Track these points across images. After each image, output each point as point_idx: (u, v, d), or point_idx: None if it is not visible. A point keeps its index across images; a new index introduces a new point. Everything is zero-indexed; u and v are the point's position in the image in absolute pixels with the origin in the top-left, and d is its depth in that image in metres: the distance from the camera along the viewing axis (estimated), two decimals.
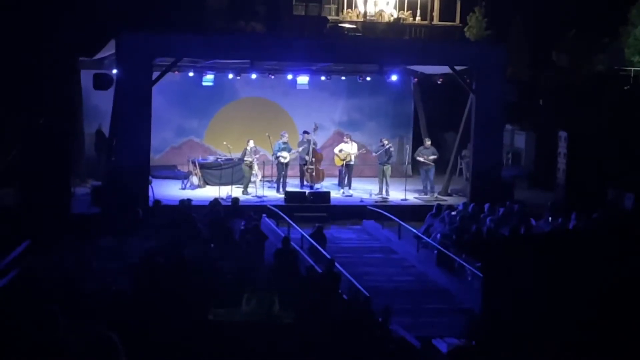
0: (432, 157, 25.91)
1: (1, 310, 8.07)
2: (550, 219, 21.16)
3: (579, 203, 22.13)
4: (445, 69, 25.40)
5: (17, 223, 19.16)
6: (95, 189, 23.22)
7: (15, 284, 14.44)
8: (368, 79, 27.15)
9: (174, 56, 23.40)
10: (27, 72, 26.22)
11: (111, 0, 28.56)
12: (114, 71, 22.83)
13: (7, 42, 26.54)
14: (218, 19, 31.39)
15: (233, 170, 25.78)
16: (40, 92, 25.78)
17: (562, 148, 25.77)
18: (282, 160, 25.45)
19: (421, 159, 26.07)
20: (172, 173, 27.21)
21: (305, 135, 26.02)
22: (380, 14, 33.48)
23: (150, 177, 23.25)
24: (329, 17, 32.59)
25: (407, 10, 33.61)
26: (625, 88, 30.10)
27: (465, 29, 33.20)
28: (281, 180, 25.61)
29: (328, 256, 17.78)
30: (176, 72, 25.02)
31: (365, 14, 33.13)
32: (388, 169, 25.73)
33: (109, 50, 23.45)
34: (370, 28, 32.82)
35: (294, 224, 21.48)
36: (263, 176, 25.57)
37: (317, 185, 25.92)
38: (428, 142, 26.29)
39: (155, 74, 23.02)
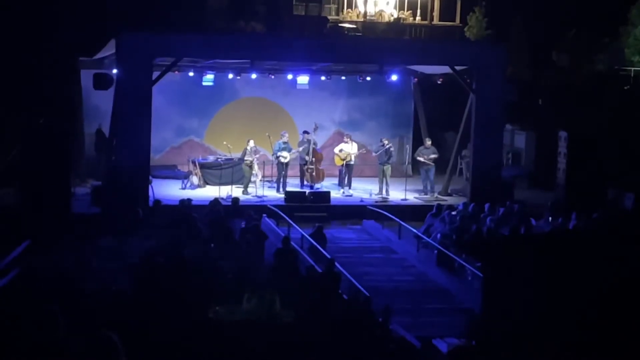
0: (432, 156, 25.91)
1: (1, 310, 8.07)
2: (550, 219, 21.17)
3: (579, 203, 22.13)
4: (446, 69, 25.40)
5: (17, 223, 19.16)
6: (95, 188, 23.22)
7: (15, 284, 14.43)
8: (368, 78, 27.15)
9: (174, 56, 23.40)
10: (27, 72, 26.22)
11: (111, 0, 28.55)
12: (114, 71, 22.83)
13: (7, 42, 26.54)
14: (218, 19, 31.39)
15: (233, 170, 25.79)
16: (40, 92, 25.79)
17: (562, 148, 25.77)
18: (282, 160, 25.46)
19: (421, 159, 26.08)
20: (172, 173, 27.21)
21: (305, 135, 26.03)
22: (381, 14, 33.48)
23: (150, 177, 23.25)
24: (329, 17, 32.59)
25: (407, 10, 33.61)
26: (626, 88, 30.10)
27: (466, 29, 33.20)
28: (281, 180, 25.62)
29: (328, 256, 17.78)
30: (176, 72, 25.03)
31: (365, 14, 33.13)
32: (388, 168, 25.73)
33: (109, 50, 23.45)
34: (371, 28, 32.82)
35: (294, 224, 21.48)
36: (263, 176, 25.57)
37: (317, 185, 25.93)
38: (428, 142, 26.29)
39: (155, 74, 23.02)
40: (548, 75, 31.28)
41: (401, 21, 33.40)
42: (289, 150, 25.64)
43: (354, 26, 31.77)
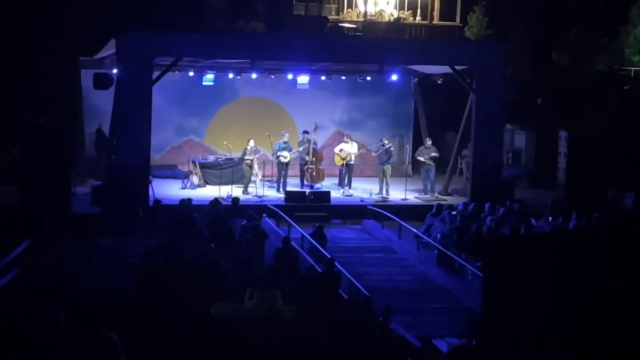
0: (433, 155, 25.91)
1: (1, 310, 8.06)
2: (550, 218, 21.17)
3: (579, 203, 22.12)
4: (446, 69, 25.40)
5: (17, 222, 19.16)
6: (95, 188, 23.22)
7: (15, 284, 14.44)
8: (368, 78, 27.15)
9: (174, 56, 23.40)
10: (27, 72, 26.22)
11: (111, 0, 28.54)
12: (114, 71, 22.84)
13: (7, 42, 26.53)
14: (218, 19, 31.35)
15: (233, 170, 25.79)
16: (40, 92, 25.78)
17: (563, 148, 25.78)
18: (282, 159, 25.46)
19: (422, 159, 26.08)
20: (172, 173, 27.22)
21: (305, 135, 26.03)
22: (381, 14, 33.44)
23: (150, 177, 23.25)
24: (329, 17, 32.54)
25: (408, 10, 33.56)
26: (626, 88, 30.09)
27: (466, 29, 33.17)
28: (281, 179, 25.62)
29: (328, 256, 17.78)
30: (176, 72, 25.03)
31: (365, 14, 33.09)
32: (388, 168, 25.74)
33: (109, 49, 23.45)
34: (371, 28, 32.77)
35: (294, 224, 21.48)
36: (263, 176, 25.58)
37: (317, 185, 25.94)
38: (429, 142, 26.29)
39: (155, 74, 23.02)
40: (548, 75, 31.27)
41: (401, 21, 33.36)
42: (289, 150, 25.64)
43: (354, 26, 31.72)
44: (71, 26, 26.68)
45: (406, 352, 13.37)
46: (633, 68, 30.75)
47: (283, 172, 25.61)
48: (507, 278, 9.38)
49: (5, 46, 26.49)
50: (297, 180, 26.37)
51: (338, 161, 26.28)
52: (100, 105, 25.76)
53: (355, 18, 33.09)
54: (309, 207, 23.86)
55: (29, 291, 13.26)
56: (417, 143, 27.92)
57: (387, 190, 25.60)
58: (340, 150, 26.14)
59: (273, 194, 25.17)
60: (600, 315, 8.89)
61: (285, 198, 24.39)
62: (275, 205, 23.33)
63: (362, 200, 25.04)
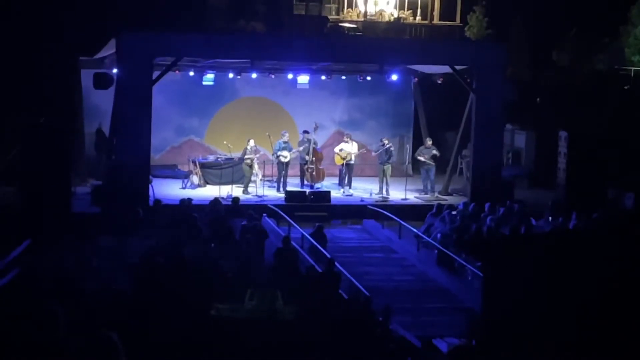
0: (433, 152, 25.91)
1: (1, 310, 8.07)
2: (550, 218, 21.17)
3: (579, 203, 22.12)
4: (446, 69, 25.40)
5: (17, 222, 19.17)
6: (95, 188, 23.22)
7: (15, 284, 14.44)
8: (368, 78, 27.16)
9: (174, 55, 23.39)
10: (27, 72, 26.22)
11: (111, 0, 28.55)
12: (115, 70, 22.83)
13: (7, 42, 26.53)
14: (218, 19, 31.36)
15: (233, 170, 25.79)
16: (40, 92, 25.79)
17: (563, 148, 25.77)
18: (282, 159, 25.46)
19: (422, 159, 26.08)
20: (172, 172, 27.21)
21: (306, 134, 26.03)
22: (381, 14, 33.44)
23: (150, 177, 23.25)
24: (330, 17, 32.54)
25: (408, 10, 33.56)
26: (626, 88, 30.08)
27: (466, 29, 33.17)
28: (281, 179, 25.62)
29: (328, 255, 17.78)
30: (176, 72, 25.03)
31: (365, 14, 33.10)
32: (388, 168, 25.74)
33: (110, 49, 23.45)
34: (371, 27, 32.78)
35: (294, 224, 21.49)
36: (263, 175, 25.58)
37: (317, 185, 25.94)
38: (429, 142, 26.29)
39: (155, 74, 23.02)
40: (548, 75, 31.26)
41: (401, 21, 33.36)
42: (290, 150, 25.64)
43: (354, 26, 31.73)
44: (71, 26, 26.69)
45: (406, 352, 13.37)
46: (633, 68, 30.75)
47: (283, 171, 25.61)
48: (507, 278, 9.38)
49: (5, 46, 26.49)
50: (297, 180, 26.37)
51: (338, 161, 26.28)
52: (100, 105, 25.76)
53: (355, 18, 33.10)
54: (309, 206, 23.85)
55: (29, 291, 13.26)
56: (417, 143, 27.93)
57: (387, 190, 25.60)
58: (341, 150, 26.15)
59: (273, 194, 25.17)
60: (600, 315, 8.89)
61: (285, 198, 24.39)
62: (275, 205, 23.33)
63: (362, 200, 25.04)
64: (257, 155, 25.27)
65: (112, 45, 22.97)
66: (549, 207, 21.96)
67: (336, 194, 25.24)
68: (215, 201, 21.29)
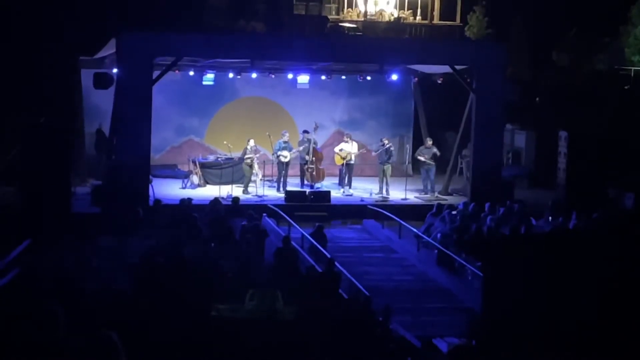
0: (434, 151, 25.91)
1: (1, 310, 8.06)
2: (550, 218, 21.15)
3: (580, 202, 22.11)
4: (446, 69, 25.39)
5: (17, 222, 19.16)
6: (95, 188, 23.22)
7: (15, 284, 14.44)
8: (368, 78, 27.16)
9: (175, 55, 23.39)
10: (27, 72, 26.21)
11: (111, 0, 28.54)
12: (115, 70, 22.83)
13: (7, 41, 26.53)
14: (218, 18, 31.35)
15: (233, 170, 25.79)
16: (40, 92, 25.79)
17: (563, 147, 25.78)
18: (282, 159, 25.46)
19: (422, 159, 26.08)
20: (172, 172, 27.21)
21: (305, 134, 26.03)
22: (381, 14, 33.42)
23: (150, 177, 23.24)
24: (330, 17, 32.53)
25: (408, 10, 33.54)
26: (626, 87, 30.07)
27: (466, 28, 33.15)
28: (281, 179, 25.62)
29: (328, 255, 17.78)
30: (176, 71, 25.03)
31: (365, 14, 33.08)
32: (388, 168, 25.74)
33: (110, 49, 23.45)
34: (371, 27, 32.75)
35: (294, 223, 21.49)
36: (263, 175, 25.58)
37: (317, 185, 25.94)
38: (429, 142, 26.28)
39: (155, 73, 23.02)
40: (548, 75, 31.25)
41: (401, 21, 33.34)
42: (290, 150, 25.64)
43: (354, 26, 31.70)
44: (71, 26, 26.69)
45: (406, 352, 13.37)
46: (633, 68, 30.74)
47: (283, 171, 25.61)
48: (507, 278, 9.38)
49: (5, 46, 26.48)
50: (297, 180, 26.37)
51: (338, 161, 26.28)
52: (100, 105, 25.76)
53: (355, 18, 33.08)
54: (309, 206, 23.85)
55: (29, 291, 13.26)
56: (417, 143, 27.93)
57: (387, 190, 25.60)
58: (341, 150, 26.15)
59: (273, 194, 25.17)
60: (600, 315, 8.90)
61: (285, 198, 24.39)
62: (275, 205, 23.32)
63: (362, 200, 25.04)
64: (257, 155, 25.27)
65: (112, 45, 22.96)
66: (549, 207, 21.95)
67: (336, 194, 25.24)
68: (215, 201, 21.29)
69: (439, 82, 27.19)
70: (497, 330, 9.43)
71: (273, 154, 25.70)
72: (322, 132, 27.98)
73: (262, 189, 25.12)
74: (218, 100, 28.21)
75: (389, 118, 29.58)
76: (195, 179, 25.89)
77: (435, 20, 33.69)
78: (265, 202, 23.77)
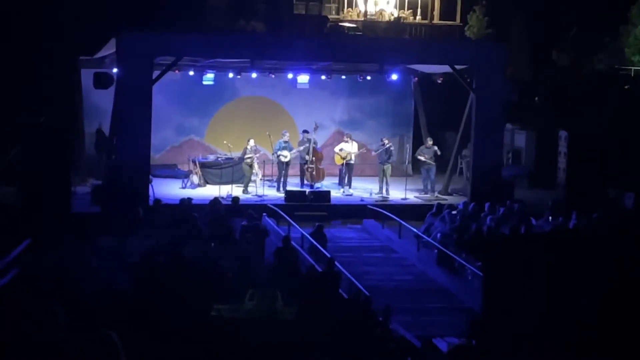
0: (434, 149, 25.90)
1: (1, 310, 8.06)
2: (550, 218, 21.15)
3: (580, 202, 22.11)
4: (446, 68, 25.39)
5: (17, 222, 19.15)
6: (95, 188, 23.22)
7: (15, 284, 14.44)
8: (368, 78, 27.15)
9: (175, 55, 23.39)
10: (27, 71, 26.21)
11: (111, 0, 28.54)
12: (115, 70, 22.83)
13: (7, 41, 26.52)
14: (218, 18, 31.35)
15: (233, 170, 25.79)
16: (40, 91, 25.78)
17: (563, 147, 25.78)
18: (282, 159, 25.46)
19: (422, 158, 26.08)
20: (172, 172, 27.21)
21: (305, 134, 26.03)
22: (381, 13, 33.42)
23: (150, 176, 23.24)
24: (330, 16, 32.53)
25: (408, 10, 33.53)
26: (626, 87, 30.07)
27: (466, 28, 33.15)
28: (282, 179, 25.62)
29: (328, 255, 17.77)
30: (176, 71, 25.03)
31: (365, 13, 33.08)
32: (388, 168, 25.74)
33: (110, 49, 23.45)
34: (371, 27, 32.75)
35: (294, 223, 21.48)
36: (263, 175, 25.57)
37: (317, 185, 25.94)
38: (430, 142, 26.27)
39: (155, 73, 23.02)
40: (548, 74, 31.25)
41: (401, 20, 33.32)
42: (290, 150, 25.64)
43: (354, 25, 31.70)
44: (71, 26, 26.68)
45: (406, 351, 13.37)
46: (633, 68, 30.74)
47: (283, 171, 25.61)
48: (507, 278, 9.38)
49: (5, 46, 26.48)
50: (297, 180, 26.37)
51: (338, 161, 26.28)
52: (100, 104, 25.76)
53: (355, 17, 33.07)
54: (309, 206, 23.85)
55: (29, 291, 13.25)
56: (417, 143, 27.93)
57: (387, 190, 25.61)
58: (341, 150, 26.15)
59: (273, 194, 25.17)
60: (600, 315, 8.90)
61: (285, 197, 24.39)
62: (275, 205, 23.32)
63: (362, 200, 25.04)
64: (257, 155, 25.27)
65: (112, 45, 22.96)
66: (549, 207, 21.95)
67: (336, 194, 25.24)
68: (215, 201, 21.28)
69: (439, 82, 27.18)
70: (497, 330, 9.43)
71: (273, 154, 25.70)
72: (322, 132, 27.98)
73: (262, 189, 25.12)
74: (218, 100, 28.21)
75: (389, 118, 29.58)
76: (195, 178, 25.89)
77: (435, 20, 33.68)
78: (265, 202, 23.77)
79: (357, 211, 24.30)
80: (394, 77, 26.63)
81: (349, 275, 17.22)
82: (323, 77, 27.04)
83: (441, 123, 28.99)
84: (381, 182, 25.75)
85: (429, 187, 25.98)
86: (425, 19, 33.68)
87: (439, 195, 25.63)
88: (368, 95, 29.19)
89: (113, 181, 22.12)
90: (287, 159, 25.56)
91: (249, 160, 25.07)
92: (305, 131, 26.16)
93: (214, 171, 26.28)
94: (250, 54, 23.96)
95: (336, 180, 26.76)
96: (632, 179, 24.57)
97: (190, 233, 18.54)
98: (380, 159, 25.78)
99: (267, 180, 25.90)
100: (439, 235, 20.21)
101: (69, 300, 11.47)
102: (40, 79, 26.12)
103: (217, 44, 23.65)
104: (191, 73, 25.69)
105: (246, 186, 25.14)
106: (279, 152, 25.45)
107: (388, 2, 33.64)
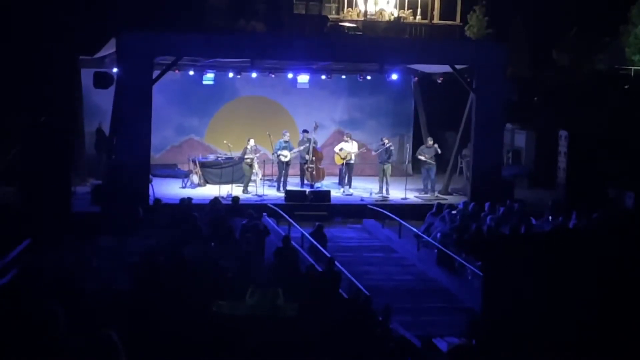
0: (435, 147, 25.89)
1: (1, 310, 8.06)
2: (550, 218, 21.15)
3: (580, 202, 22.12)
4: (446, 68, 25.39)
5: (17, 222, 19.14)
6: (95, 187, 23.22)
7: (15, 283, 14.43)
8: (368, 77, 27.14)
9: (175, 55, 23.39)
10: (27, 71, 26.20)
11: (111, 0, 28.54)
12: (115, 70, 22.83)
13: (7, 41, 26.52)
14: (218, 18, 31.36)
15: (233, 169, 25.79)
16: (40, 91, 25.77)
17: (563, 147, 25.77)
18: (282, 159, 25.46)
19: (423, 158, 26.08)
20: (172, 172, 27.20)
21: (305, 134, 26.03)
22: (381, 13, 33.43)
23: (150, 176, 23.24)
24: (330, 16, 32.54)
25: (408, 9, 33.55)
26: (626, 87, 30.08)
27: (466, 28, 33.16)
28: (282, 179, 25.62)
29: (328, 255, 17.77)
30: (176, 71, 25.02)
31: (365, 13, 33.09)
32: (388, 167, 25.75)
33: (110, 48, 23.45)
34: (371, 27, 32.76)
35: (294, 223, 21.48)
36: (263, 175, 25.57)
37: (317, 184, 25.95)
38: (430, 142, 26.27)
39: (155, 73, 23.02)
40: (548, 74, 31.25)
41: (401, 20, 33.33)
42: (290, 149, 25.64)
43: (354, 25, 31.72)
44: (71, 26, 26.68)
45: (406, 351, 13.37)
46: (633, 67, 30.75)
47: (283, 171, 25.61)
48: (507, 278, 9.38)
49: (5, 46, 26.47)
50: (297, 180, 26.37)
51: (338, 160, 26.28)
52: (100, 104, 25.76)
53: (355, 17, 33.09)
54: (309, 206, 23.86)
55: (29, 291, 13.24)
56: (417, 142, 27.93)
57: (387, 190, 25.61)
58: (341, 150, 26.15)
59: (273, 193, 25.17)
60: (600, 315, 8.90)
61: (285, 197, 24.39)
62: (275, 205, 23.32)
63: (362, 200, 25.04)
64: (257, 155, 25.27)
65: (112, 45, 22.96)
66: (549, 207, 21.95)
67: (336, 194, 25.25)
68: (215, 200, 21.28)
69: (439, 81, 27.18)
70: (497, 330, 9.43)
71: (273, 154, 25.70)
72: (322, 131, 27.98)
73: (262, 189, 25.12)
74: (218, 100, 28.21)
75: (389, 117, 29.57)
76: (195, 178, 25.89)
77: (435, 20, 33.70)
78: (265, 202, 23.78)
79: (357, 211, 24.31)
80: (394, 76, 26.63)
81: (349, 275, 17.22)
82: (323, 76, 27.04)
83: (441, 123, 28.99)
84: (381, 181, 25.75)
85: (429, 186, 25.98)
86: (425, 18, 33.70)
87: (439, 195, 25.63)
88: (368, 95, 29.18)
89: (113, 181, 22.12)
90: (287, 159, 25.56)
91: (249, 160, 25.07)
92: (305, 131, 26.16)
93: (214, 171, 26.29)
94: (250, 53, 23.96)
95: (336, 180, 26.77)
96: (632, 179, 24.57)
97: (190, 233, 18.54)
98: (380, 159, 25.78)
99: (267, 180, 25.90)
100: (439, 235, 20.22)
101: (69, 300, 11.47)
102: (40, 79, 26.12)
103: (217, 44, 23.65)
104: (191, 73, 25.69)
105: (246, 186, 25.15)
106: (279, 152, 25.45)
107: (388, 2, 33.65)
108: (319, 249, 18.98)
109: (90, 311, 11.41)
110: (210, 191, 24.47)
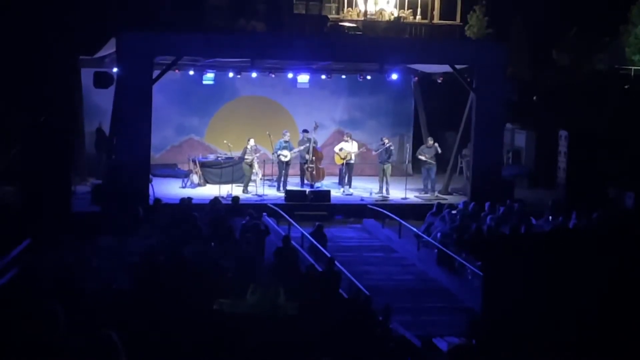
0: (435, 146, 25.88)
1: (1, 310, 8.06)
2: (550, 218, 21.15)
3: (580, 202, 22.12)
4: (446, 68, 25.39)
5: (17, 221, 19.15)
6: (95, 187, 23.22)
7: (15, 283, 14.44)
8: (368, 77, 27.13)
9: (175, 55, 23.39)
10: (27, 71, 26.20)
11: (112, 0, 28.53)
12: (115, 69, 22.82)
13: (7, 41, 26.51)
14: (218, 18, 31.34)
15: (233, 169, 25.79)
16: (40, 91, 25.76)
17: (563, 147, 25.77)
18: (282, 158, 25.46)
19: (423, 158, 26.08)
20: (172, 171, 27.19)
21: (305, 134, 26.03)
22: (381, 13, 33.42)
23: (150, 176, 23.24)
24: (330, 16, 32.53)
25: (408, 9, 33.54)
26: (626, 87, 30.07)
27: (466, 28, 33.15)
28: (282, 179, 25.61)
29: (328, 255, 17.78)
30: (177, 71, 25.01)
31: (365, 13, 33.08)
32: (388, 167, 25.74)
33: (110, 48, 23.45)
34: (371, 27, 32.74)
35: (294, 223, 21.48)
36: (263, 175, 25.57)
37: (317, 184, 25.95)
38: (430, 142, 26.26)
39: (155, 73, 23.01)
40: (548, 75, 31.24)
41: (401, 20, 33.32)
42: (290, 149, 25.64)
43: (355, 25, 31.70)
44: (71, 26, 26.67)
45: (406, 351, 13.38)
46: (633, 67, 30.74)
47: (283, 171, 25.61)
48: (507, 278, 9.39)
49: (5, 46, 26.47)
50: (297, 180, 26.37)
51: (338, 160, 26.28)
52: (100, 104, 25.75)
53: (355, 17, 33.07)
54: (309, 206, 23.86)
55: (29, 291, 13.25)
56: (417, 142, 27.93)
57: (387, 190, 25.61)
58: (341, 149, 26.15)
59: (273, 193, 25.17)
60: (600, 314, 8.90)
61: (285, 197, 24.39)
62: (275, 204, 23.32)
63: (362, 200, 25.04)
64: (257, 155, 25.27)
65: (112, 44, 22.96)
66: (549, 207, 21.95)
67: (336, 193, 25.25)
68: (215, 200, 21.29)
69: (439, 81, 27.18)
70: (497, 330, 9.43)
71: (273, 154, 25.70)
72: (322, 131, 27.98)
73: (262, 189, 25.12)
74: (218, 100, 28.20)
75: (389, 117, 29.57)
76: (195, 178, 25.89)
77: (435, 20, 33.68)
78: (265, 202, 23.78)
79: (357, 211, 24.31)
80: (394, 76, 26.62)
81: (349, 275, 17.22)
82: (323, 76, 27.03)
83: (441, 123, 28.98)
84: (381, 181, 25.75)
85: (429, 186, 25.98)
86: (425, 18, 33.68)
87: (439, 195, 25.63)
88: (368, 95, 29.18)
89: (113, 181, 22.12)
90: (287, 159, 25.55)
91: (249, 160, 25.06)
92: (305, 131, 26.16)
93: (214, 171, 26.29)
94: (251, 53, 23.96)
95: (336, 179, 26.76)
96: (632, 179, 24.56)
97: (190, 232, 18.55)
98: (380, 159, 25.78)
99: (267, 179, 25.89)
100: (439, 234, 20.22)
101: (69, 300, 11.48)
102: (40, 79, 26.11)
103: (217, 44, 23.65)
104: (191, 73, 25.68)
105: (246, 186, 25.15)
106: (279, 152, 25.45)
107: (388, 2, 33.63)
108: (319, 249, 18.99)
109: (90, 311, 11.42)
110: (210, 191, 24.47)
